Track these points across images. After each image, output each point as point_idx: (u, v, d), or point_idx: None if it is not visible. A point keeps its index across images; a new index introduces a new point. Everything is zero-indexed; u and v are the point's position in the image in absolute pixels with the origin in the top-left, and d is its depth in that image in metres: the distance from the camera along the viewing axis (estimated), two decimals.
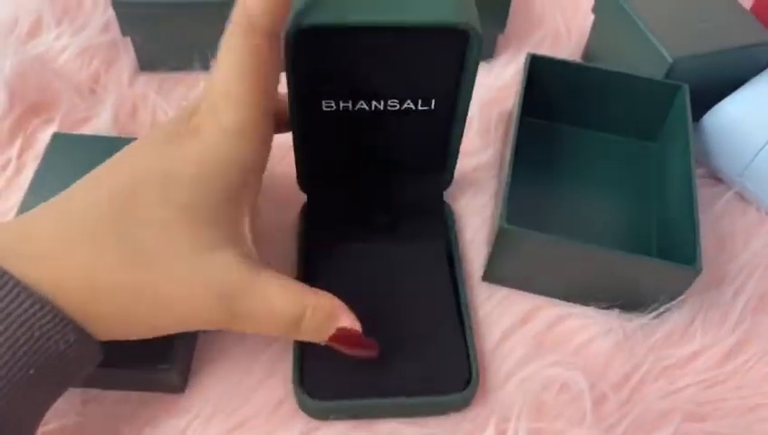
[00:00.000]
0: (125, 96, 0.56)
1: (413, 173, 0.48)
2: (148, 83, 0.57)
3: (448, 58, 0.40)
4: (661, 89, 0.51)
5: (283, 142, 0.44)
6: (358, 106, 0.43)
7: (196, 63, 0.57)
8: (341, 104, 0.42)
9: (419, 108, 0.43)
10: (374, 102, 0.42)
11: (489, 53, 0.60)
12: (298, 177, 0.47)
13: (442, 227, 0.48)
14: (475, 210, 0.50)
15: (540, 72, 0.51)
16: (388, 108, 0.43)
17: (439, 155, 0.47)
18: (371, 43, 0.38)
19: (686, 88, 0.50)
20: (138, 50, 0.57)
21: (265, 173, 0.50)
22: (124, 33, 0.56)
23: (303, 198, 0.48)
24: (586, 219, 0.49)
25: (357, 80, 0.41)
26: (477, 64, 0.39)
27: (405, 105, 0.43)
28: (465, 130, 0.52)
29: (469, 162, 0.52)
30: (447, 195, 0.49)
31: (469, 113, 0.53)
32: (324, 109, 0.43)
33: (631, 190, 0.51)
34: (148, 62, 0.58)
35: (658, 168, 0.52)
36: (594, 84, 0.52)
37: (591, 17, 0.59)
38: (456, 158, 0.46)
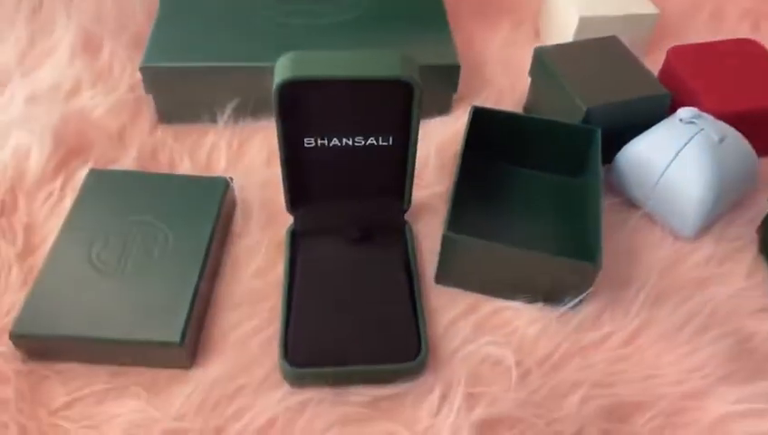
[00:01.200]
0: (146, 142, 0.68)
1: (378, 197, 0.59)
2: (166, 132, 0.70)
3: (399, 104, 0.52)
4: (579, 132, 0.64)
5: (274, 173, 0.56)
6: (332, 142, 0.55)
7: (205, 117, 0.70)
8: (319, 141, 0.55)
9: (380, 143, 0.55)
10: (344, 139, 0.55)
11: (446, 110, 0.73)
12: (286, 200, 0.58)
13: (403, 240, 0.59)
14: (431, 230, 0.62)
15: (482, 121, 0.64)
16: (356, 143, 0.55)
17: (398, 182, 0.58)
18: (339, 93, 0.51)
19: (598, 131, 0.62)
20: (158, 106, 0.70)
21: (260, 199, 0.62)
22: (147, 91, 0.69)
23: (290, 218, 0.59)
24: (518, 235, 0.61)
25: (330, 121, 0.53)
26: (420, 108, 0.52)
27: (369, 141, 0.55)
28: (423, 168, 0.65)
29: (426, 192, 0.64)
30: (408, 216, 0.61)
31: (427, 154, 0.67)
32: (306, 145, 0.55)
33: (557, 215, 0.63)
34: (167, 115, 0.71)
35: (579, 197, 0.64)
36: (526, 129, 0.64)
37: (529, 79, 0.73)
38: (412, 184, 0.58)
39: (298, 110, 0.52)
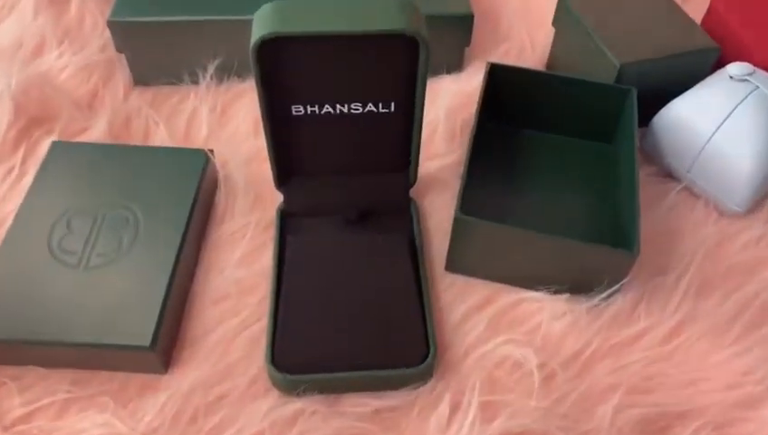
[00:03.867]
0: (120, 109, 0.61)
1: (379, 171, 0.52)
2: (142, 96, 0.62)
3: (402, 63, 0.44)
4: (611, 93, 0.55)
5: (262, 144, 0.48)
6: (324, 110, 0.47)
7: (185, 78, 0.62)
8: (309, 108, 0.47)
9: (380, 110, 0.47)
10: (338, 106, 0.47)
11: (457, 66, 0.64)
12: (274, 176, 0.51)
13: (408, 221, 0.52)
14: (440, 207, 0.54)
15: (500, 81, 0.56)
16: (352, 111, 0.47)
17: (402, 154, 0.51)
18: (330, 51, 0.43)
19: (633, 91, 0.54)
20: (132, 66, 0.62)
21: (245, 175, 0.54)
22: (119, 49, 0.61)
23: (279, 197, 0.52)
24: (541, 214, 0.53)
25: (321, 85, 0.45)
26: (427, 68, 0.43)
27: (367, 108, 0.47)
28: (431, 135, 0.57)
29: (434, 164, 0.56)
30: (414, 192, 0.53)
31: (435, 119, 0.58)
32: (294, 113, 0.47)
33: (585, 188, 0.55)
34: (142, 77, 0.63)
35: (611, 167, 0.56)
36: (551, 90, 0.56)
37: (552, 31, 0.64)
38: (418, 156, 0.50)
39: (282, 72, 0.44)
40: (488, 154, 0.55)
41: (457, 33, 0.61)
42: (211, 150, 0.54)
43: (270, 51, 0.42)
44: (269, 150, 0.49)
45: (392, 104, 0.47)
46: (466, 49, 0.63)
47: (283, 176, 0.51)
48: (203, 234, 0.52)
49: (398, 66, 0.44)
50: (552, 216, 0.53)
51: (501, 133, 0.58)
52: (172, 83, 0.63)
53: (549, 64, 0.65)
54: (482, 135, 0.52)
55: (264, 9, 0.42)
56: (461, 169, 0.56)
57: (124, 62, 0.62)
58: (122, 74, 0.63)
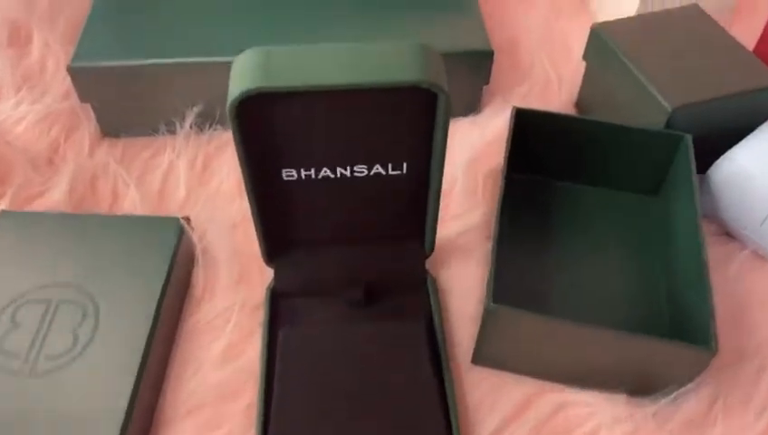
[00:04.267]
0: (84, 166, 0.52)
1: (389, 242, 0.43)
2: (110, 151, 0.54)
3: (416, 118, 0.35)
4: (661, 140, 0.47)
5: (247, 205, 0.40)
6: (322, 173, 0.38)
7: (161, 128, 0.54)
8: (303, 172, 0.38)
9: (390, 172, 0.39)
10: (339, 169, 0.38)
11: (474, 106, 0.56)
12: (262, 250, 0.42)
13: (424, 301, 0.43)
14: (463, 281, 0.45)
15: (528, 126, 0.47)
16: (356, 174, 0.39)
17: (417, 221, 0.42)
18: (328, 108, 0.34)
19: (688, 138, 0.45)
20: (99, 116, 0.54)
21: (228, 245, 0.46)
22: (82, 99, 0.52)
23: (269, 274, 0.43)
24: (586, 288, 0.44)
25: (318, 146, 0.37)
26: (448, 123, 0.35)
27: (374, 170, 0.39)
28: (448, 192, 0.48)
29: (454, 226, 0.48)
30: (430, 264, 0.45)
31: (453, 172, 0.50)
32: (285, 178, 0.38)
33: (634, 252, 0.46)
34: (111, 128, 0.54)
35: (662, 225, 0.47)
36: (588, 137, 0.47)
37: (583, 65, 0.55)
38: (436, 223, 0.42)
39: (269, 132, 0.36)
40: (517, 213, 0.47)
41: (475, 70, 0.53)
42: (187, 218, 0.46)
43: (253, 108, 0.33)
44: (255, 221, 0.40)
45: (404, 165, 0.39)
46: (484, 87, 0.55)
47: (274, 249, 0.43)
48: (177, 322, 0.43)
49: (411, 122, 0.36)
50: (596, 289, 0.44)
51: (531, 186, 0.50)
52: (146, 135, 0.54)
53: (579, 104, 0.57)
54: (510, 191, 0.44)
55: (246, 56, 0.33)
56: (486, 232, 0.47)
57: (90, 111, 0.54)
58: (88, 125, 0.55)
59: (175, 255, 0.43)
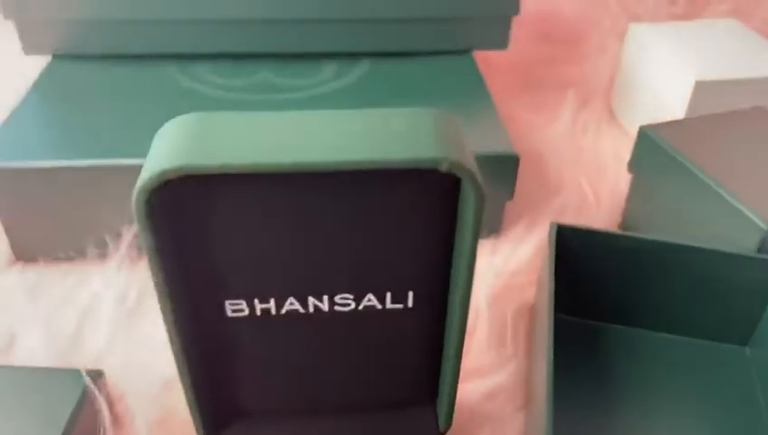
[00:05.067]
0: None
1: (386, 414, 0.29)
2: (20, 279, 0.41)
3: (429, 221, 0.23)
4: (755, 268, 0.34)
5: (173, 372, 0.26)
6: (286, 307, 0.26)
7: (89, 251, 0.41)
8: (258, 305, 0.25)
9: (388, 306, 0.26)
10: (312, 300, 0.25)
11: (495, 227, 0.44)
12: (196, 425, 0.28)
13: None
14: None
15: (572, 250, 0.35)
16: (337, 307, 0.26)
17: (427, 382, 0.29)
18: (295, 201, 0.22)
19: None
20: (10, 235, 0.42)
21: (154, 412, 0.32)
22: None
23: None
24: None
25: (279, 262, 0.24)
26: (478, 229, 0.23)
27: (364, 302, 0.26)
28: (467, 338, 0.35)
29: (478, 387, 0.34)
30: None
31: (472, 312, 0.37)
32: (230, 314, 0.25)
33: (720, 417, 0.33)
34: (25, 251, 0.42)
35: (757, 382, 0.34)
36: (654, 265, 0.35)
37: (628, 178, 0.45)
38: (456, 385, 0.28)
39: (202, 238, 0.23)
40: (567, 371, 0.33)
41: (497, 181, 0.41)
42: (98, 372, 0.32)
43: (176, 199, 0.21)
44: (184, 383, 0.26)
45: (409, 296, 0.26)
46: (507, 202, 0.43)
47: (214, 424, 0.29)
48: None
49: (423, 228, 0.23)
50: None
51: (575, 333, 0.37)
52: (70, 259, 0.42)
53: (626, 225, 0.45)
54: (555, 338, 0.31)
55: (175, 124, 0.22)
56: (520, 395, 0.33)
57: (0, 227, 0.42)
58: None
59: (71, 422, 0.29)
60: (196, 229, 0.22)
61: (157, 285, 0.23)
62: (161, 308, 0.24)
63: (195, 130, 0.21)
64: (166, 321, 0.24)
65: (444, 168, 0.20)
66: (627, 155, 0.44)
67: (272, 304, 0.25)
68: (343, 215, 0.23)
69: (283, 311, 0.26)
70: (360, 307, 0.26)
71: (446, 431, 0.29)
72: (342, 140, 0.21)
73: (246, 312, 0.25)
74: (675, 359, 0.36)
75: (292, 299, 0.25)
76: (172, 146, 0.21)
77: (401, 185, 0.22)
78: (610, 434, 0.32)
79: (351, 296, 0.25)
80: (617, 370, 0.35)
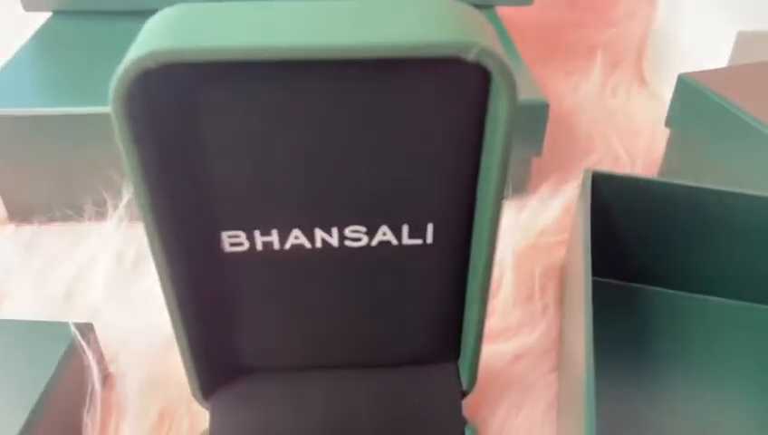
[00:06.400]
0: None
1: (402, 371, 0.26)
2: (14, 239, 0.39)
3: (451, 129, 0.20)
4: None
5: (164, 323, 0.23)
6: (291, 241, 0.23)
7: (86, 210, 0.39)
8: (259, 238, 0.22)
9: (405, 242, 0.23)
10: (320, 233, 0.22)
11: (522, 185, 0.41)
12: (192, 383, 0.25)
13: None
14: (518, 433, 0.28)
15: (606, 203, 0.32)
16: (347, 242, 0.23)
17: (448, 336, 0.25)
18: (297, 102, 0.19)
19: None
20: (4, 193, 0.39)
21: (147, 373, 0.29)
22: None
23: (204, 418, 0.26)
24: None
25: (282, 183, 0.21)
26: (509, 141, 0.19)
27: (378, 237, 0.23)
28: (491, 298, 0.32)
29: (503, 348, 0.31)
30: (467, 408, 0.27)
31: (498, 271, 0.34)
32: (228, 249, 0.23)
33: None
34: (20, 209, 0.40)
35: None
36: (707, 215, 0.32)
37: (663, 138, 0.41)
38: (480, 337, 0.25)
39: (193, 147, 0.20)
40: (603, 335, 0.30)
41: (524, 133, 0.38)
42: (88, 325, 0.29)
43: (158, 93, 0.18)
44: (177, 334, 0.24)
45: (429, 229, 0.23)
46: (534, 159, 0.40)
47: (211, 380, 0.26)
48: None
49: (442, 137, 0.20)
50: None
51: (612, 295, 0.33)
52: (66, 219, 0.39)
53: None
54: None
55: (160, 14, 0.19)
56: (552, 360, 0.30)
57: None
58: None
59: (53, 381, 0.26)
60: (182, 133, 0.20)
61: (141, 208, 0.20)
62: (149, 242, 0.21)
63: (180, 17, 0.18)
64: (156, 260, 0.21)
65: (472, 56, 0.17)
66: (661, 116, 0.40)
67: (274, 236, 0.22)
68: (351, 118, 0.19)
69: (287, 246, 0.23)
70: (374, 243, 0.23)
71: (469, 391, 0.26)
72: (349, 22, 0.18)
73: (246, 246, 0.23)
74: (723, 325, 0.33)
75: (297, 232, 0.22)
76: (154, 34, 0.18)
77: (420, 80, 0.19)
78: (651, 409, 0.29)
79: (363, 229, 0.22)
80: (655, 336, 0.32)
